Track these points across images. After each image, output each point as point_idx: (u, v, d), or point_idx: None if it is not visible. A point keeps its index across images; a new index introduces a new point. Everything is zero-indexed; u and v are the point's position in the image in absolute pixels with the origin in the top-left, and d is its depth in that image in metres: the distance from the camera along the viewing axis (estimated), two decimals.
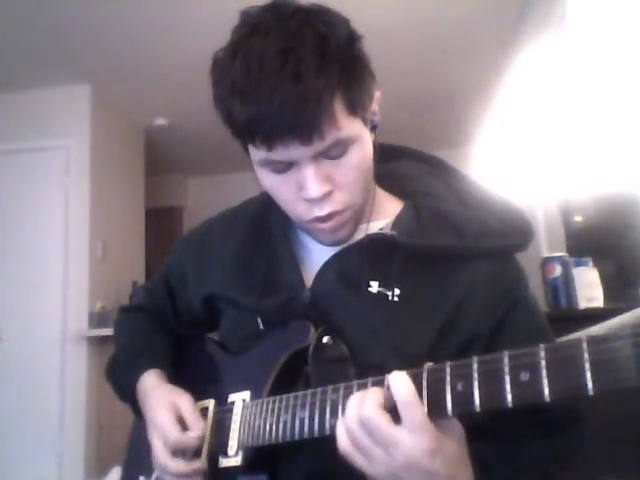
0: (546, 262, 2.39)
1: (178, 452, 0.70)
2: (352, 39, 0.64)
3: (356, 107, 0.64)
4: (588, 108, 2.46)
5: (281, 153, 0.62)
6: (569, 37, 2.44)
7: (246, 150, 0.69)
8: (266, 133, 0.60)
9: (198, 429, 0.71)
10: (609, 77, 2.14)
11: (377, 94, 0.70)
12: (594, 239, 3.35)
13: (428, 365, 0.53)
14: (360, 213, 0.72)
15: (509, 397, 0.46)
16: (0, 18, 3.02)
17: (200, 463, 0.70)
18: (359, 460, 0.53)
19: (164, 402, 0.74)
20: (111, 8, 2.96)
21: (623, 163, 2.28)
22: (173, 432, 0.70)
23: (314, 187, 0.64)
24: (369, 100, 0.68)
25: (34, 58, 3.46)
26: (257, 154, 0.65)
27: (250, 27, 0.63)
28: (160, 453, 0.71)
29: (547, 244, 3.37)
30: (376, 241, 0.72)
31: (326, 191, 0.65)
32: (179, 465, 0.69)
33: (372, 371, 0.56)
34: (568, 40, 2.46)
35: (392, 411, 0.51)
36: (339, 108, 0.61)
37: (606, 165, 2.53)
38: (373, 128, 0.71)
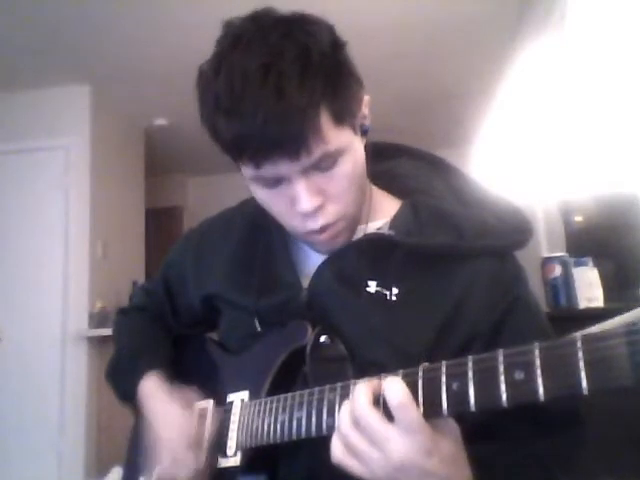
0: (546, 262, 2.39)
1: (190, 444, 0.71)
2: (335, 46, 0.63)
3: (343, 116, 0.63)
4: (588, 108, 2.46)
5: (270, 170, 0.62)
6: (569, 37, 2.44)
7: (237, 165, 0.69)
8: (252, 151, 0.60)
9: (209, 414, 0.71)
10: (609, 77, 2.14)
11: (366, 98, 0.70)
12: (594, 239, 3.34)
13: (424, 365, 0.52)
14: (355, 221, 0.72)
15: (504, 396, 0.46)
16: (0, 18, 3.01)
17: (209, 452, 0.70)
18: (354, 466, 0.52)
19: (171, 398, 0.75)
20: (111, 8, 2.96)
21: (623, 163, 2.27)
22: (186, 421, 0.71)
23: (306, 201, 0.64)
24: (357, 106, 0.67)
25: (34, 58, 3.46)
26: (246, 171, 0.65)
27: (232, 39, 0.63)
28: (175, 444, 0.71)
29: (547, 244, 3.37)
30: (374, 241, 0.72)
31: (318, 204, 0.65)
32: (191, 455, 0.70)
33: (370, 370, 0.56)
34: (568, 40, 2.46)
35: (386, 409, 0.51)
36: (325, 120, 0.60)
37: (606, 165, 2.53)
38: (364, 133, 0.70)
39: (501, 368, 0.46)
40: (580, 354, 0.42)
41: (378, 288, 0.70)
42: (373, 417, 0.51)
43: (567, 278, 2.30)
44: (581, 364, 0.42)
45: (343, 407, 0.54)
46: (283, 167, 0.61)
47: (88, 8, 2.95)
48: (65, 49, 3.38)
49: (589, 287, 2.28)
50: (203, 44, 0.69)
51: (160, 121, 4.49)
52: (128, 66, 3.61)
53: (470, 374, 0.48)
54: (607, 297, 2.29)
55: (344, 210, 0.68)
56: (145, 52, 3.44)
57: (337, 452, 0.53)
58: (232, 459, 0.69)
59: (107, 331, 3.30)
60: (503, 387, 0.46)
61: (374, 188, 0.79)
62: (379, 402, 0.52)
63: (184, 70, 2.94)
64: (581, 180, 2.95)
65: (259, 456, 0.68)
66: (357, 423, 0.52)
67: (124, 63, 3.57)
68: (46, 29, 3.14)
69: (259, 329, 0.76)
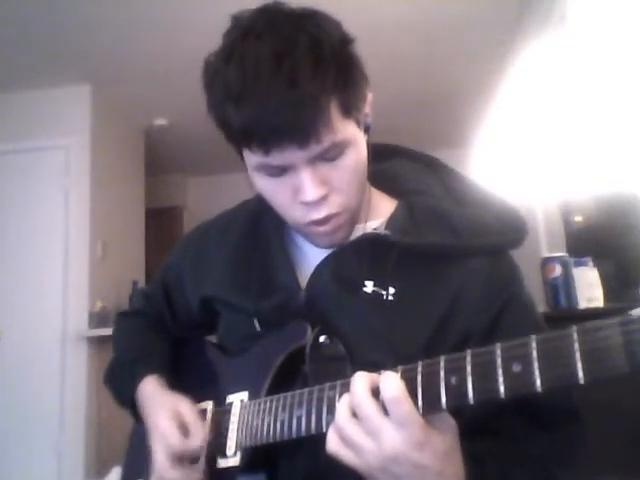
0: (546, 262, 2.39)
1: (179, 458, 0.70)
2: (345, 42, 0.64)
3: (351, 110, 0.64)
4: (588, 108, 2.46)
5: (277, 157, 0.62)
6: (569, 37, 2.44)
7: (240, 154, 0.69)
8: (262, 137, 0.60)
9: (200, 436, 0.70)
10: (609, 77, 2.14)
11: (370, 96, 0.71)
12: (594, 239, 3.34)
13: (423, 360, 0.53)
14: (355, 215, 0.72)
15: (502, 389, 0.46)
16: (0, 18, 3.01)
17: (198, 472, 0.69)
18: (348, 456, 0.53)
19: (165, 409, 0.74)
20: (111, 8, 2.96)
21: (623, 163, 2.27)
22: (175, 439, 0.70)
23: (311, 190, 0.64)
24: (363, 102, 0.68)
25: (34, 58, 3.46)
26: (252, 159, 0.65)
27: (242, 31, 0.63)
28: (160, 460, 0.70)
29: (547, 244, 3.37)
30: (370, 241, 0.72)
31: (323, 194, 0.65)
32: (177, 474, 0.69)
33: (369, 370, 0.56)
34: (568, 40, 2.46)
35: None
36: (335, 111, 0.61)
37: (606, 165, 2.53)
38: (366, 130, 0.71)
39: (499, 361, 0.47)
40: (576, 345, 0.43)
41: (375, 288, 0.70)
42: (370, 406, 0.51)
43: (567, 278, 2.31)
44: (577, 355, 0.42)
45: (342, 399, 0.54)
46: (291, 155, 0.62)
47: (88, 8, 2.95)
48: (65, 49, 3.38)
49: (589, 287, 2.28)
50: (204, 44, 0.69)
51: (160, 121, 4.49)
52: (128, 66, 3.61)
53: (468, 368, 0.49)
54: (607, 297, 2.29)
55: (347, 202, 0.68)
56: (145, 52, 3.44)
57: (332, 443, 0.54)
58: (232, 459, 0.69)
59: (107, 331, 3.29)
60: (501, 379, 0.46)
61: (372, 188, 0.79)
62: (378, 396, 0.52)
63: (185, 70, 2.96)
64: (581, 180, 2.95)
65: (259, 456, 0.68)
66: (354, 413, 0.52)
67: (124, 63, 3.57)
68: (46, 29, 3.15)
69: (258, 329, 0.76)
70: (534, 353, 0.45)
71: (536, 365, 0.44)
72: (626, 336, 0.41)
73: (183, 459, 0.70)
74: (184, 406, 0.74)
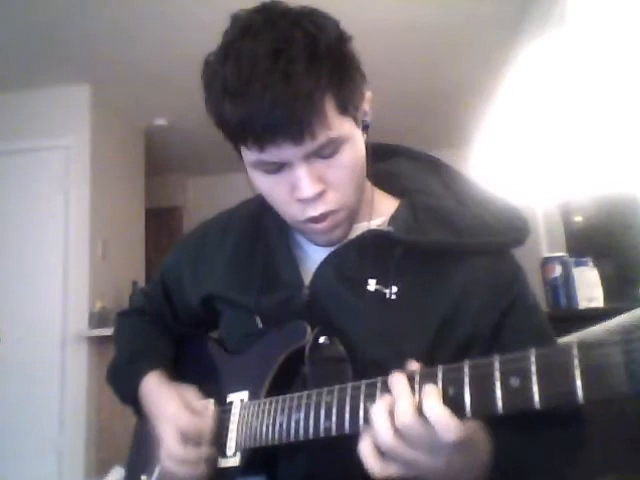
0: (546, 262, 2.39)
1: (188, 440, 0.71)
2: (342, 40, 0.64)
3: (347, 107, 0.64)
4: (588, 108, 2.46)
5: (273, 154, 0.62)
6: (569, 37, 2.44)
7: (238, 152, 0.69)
8: (258, 133, 0.60)
9: (209, 411, 0.72)
10: (609, 77, 2.14)
11: (368, 94, 0.71)
12: (594, 239, 3.35)
13: (420, 370, 0.52)
14: (353, 213, 0.72)
15: (499, 403, 0.46)
16: (0, 18, 3.01)
17: (208, 449, 0.70)
18: (390, 469, 0.53)
19: (171, 395, 0.76)
20: (111, 8, 2.96)
21: (623, 163, 2.27)
22: (185, 417, 0.71)
23: (307, 187, 0.64)
24: (360, 100, 0.68)
25: (34, 58, 3.46)
26: (249, 155, 0.65)
27: (240, 29, 0.64)
28: (170, 441, 0.71)
29: (547, 244, 3.38)
30: (373, 238, 0.72)
31: (319, 191, 0.65)
32: (187, 453, 0.70)
33: (370, 370, 0.56)
34: (568, 40, 2.46)
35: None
36: (330, 107, 0.61)
37: (606, 165, 2.53)
38: (365, 128, 0.71)
39: (497, 374, 0.46)
40: (576, 362, 0.42)
41: (378, 286, 0.70)
42: (420, 432, 0.50)
43: (567, 278, 2.31)
44: (577, 372, 0.42)
45: (378, 410, 0.52)
46: (287, 151, 0.62)
47: (88, 8, 2.95)
48: (65, 49, 3.38)
49: (589, 287, 2.29)
50: (204, 43, 0.69)
51: (160, 121, 4.49)
52: (128, 66, 3.61)
53: (466, 380, 0.48)
54: (607, 297, 2.29)
55: (344, 199, 0.68)
56: (145, 52, 3.44)
57: (371, 457, 0.53)
58: (232, 459, 0.69)
59: (107, 331, 3.30)
60: (499, 393, 0.46)
61: (374, 187, 0.79)
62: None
63: (184, 70, 2.96)
64: (581, 180, 2.95)
65: (258, 457, 0.68)
66: (395, 428, 0.51)
67: (124, 63, 3.57)
68: (46, 29, 3.14)
69: (260, 326, 0.76)
70: (533, 368, 0.44)
71: (534, 380, 0.44)
72: (627, 355, 0.40)
73: (191, 440, 0.71)
74: (187, 391, 0.76)
